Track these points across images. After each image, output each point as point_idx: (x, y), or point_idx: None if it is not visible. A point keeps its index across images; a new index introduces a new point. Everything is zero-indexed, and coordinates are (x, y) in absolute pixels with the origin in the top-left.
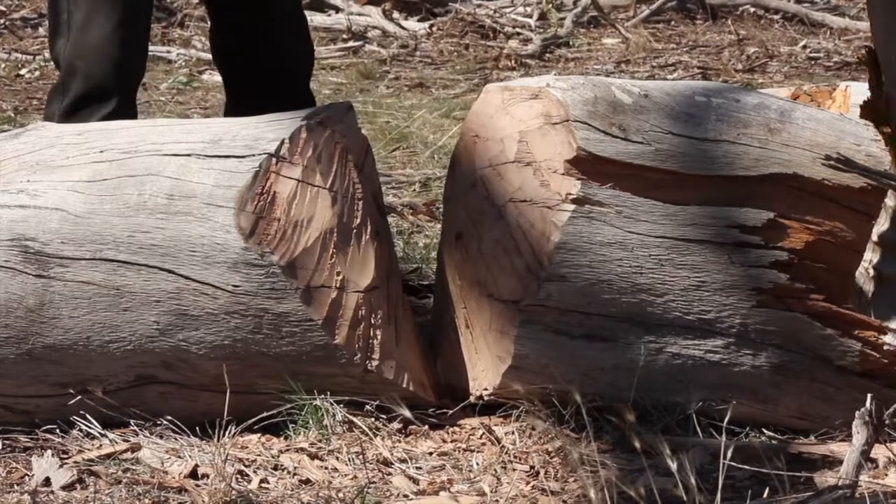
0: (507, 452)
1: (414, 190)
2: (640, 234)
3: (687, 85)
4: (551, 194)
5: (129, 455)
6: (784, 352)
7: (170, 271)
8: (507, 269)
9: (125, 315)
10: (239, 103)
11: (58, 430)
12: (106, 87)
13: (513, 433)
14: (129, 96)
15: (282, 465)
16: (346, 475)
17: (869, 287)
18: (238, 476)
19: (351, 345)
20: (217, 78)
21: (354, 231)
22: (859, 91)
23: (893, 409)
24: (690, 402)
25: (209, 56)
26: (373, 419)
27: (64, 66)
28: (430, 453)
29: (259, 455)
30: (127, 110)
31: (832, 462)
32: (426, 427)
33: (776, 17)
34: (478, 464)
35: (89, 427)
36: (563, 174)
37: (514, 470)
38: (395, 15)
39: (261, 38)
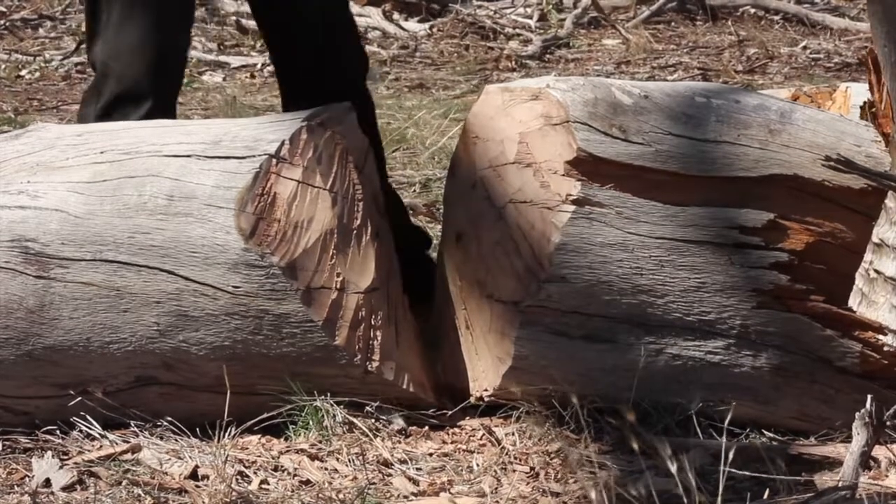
0: (507, 453)
1: (414, 191)
2: (641, 236)
3: (687, 86)
4: (551, 195)
5: (129, 456)
6: (784, 353)
7: (170, 272)
8: (508, 270)
9: (125, 316)
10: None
11: (58, 431)
12: (139, 88)
13: (513, 434)
14: (165, 99)
15: (282, 466)
16: (346, 476)
17: (869, 288)
18: (238, 477)
19: (351, 346)
20: (217, 79)
21: (354, 232)
22: (859, 92)
23: (893, 410)
24: (691, 403)
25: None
26: (373, 420)
27: (99, 68)
28: (431, 454)
29: (259, 456)
30: (164, 113)
31: (832, 463)
32: (426, 428)
33: (776, 17)
34: (478, 465)
35: (89, 428)
36: (563, 175)
37: (515, 471)
38: (395, 16)
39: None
